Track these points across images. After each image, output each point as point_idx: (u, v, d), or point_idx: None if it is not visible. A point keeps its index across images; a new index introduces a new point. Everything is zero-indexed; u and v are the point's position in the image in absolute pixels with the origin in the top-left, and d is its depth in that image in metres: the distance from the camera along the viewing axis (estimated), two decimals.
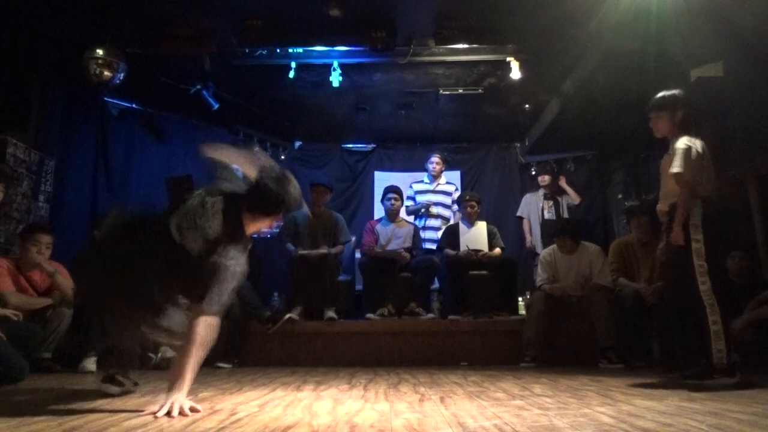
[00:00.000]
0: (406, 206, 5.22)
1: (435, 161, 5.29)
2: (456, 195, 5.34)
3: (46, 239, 3.35)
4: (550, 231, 5.33)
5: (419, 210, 5.21)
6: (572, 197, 5.68)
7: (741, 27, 3.43)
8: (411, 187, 5.40)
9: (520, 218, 5.78)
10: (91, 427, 1.37)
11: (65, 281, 3.33)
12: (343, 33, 4.15)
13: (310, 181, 4.81)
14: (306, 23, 4.05)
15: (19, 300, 3.10)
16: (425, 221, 5.19)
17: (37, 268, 3.30)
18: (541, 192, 5.69)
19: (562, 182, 5.81)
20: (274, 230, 4.83)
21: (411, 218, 5.23)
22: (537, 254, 5.44)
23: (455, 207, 5.29)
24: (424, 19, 4.05)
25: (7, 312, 2.96)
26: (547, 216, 5.55)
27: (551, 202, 5.61)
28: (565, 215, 5.55)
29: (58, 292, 3.33)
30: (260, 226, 1.94)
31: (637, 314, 3.57)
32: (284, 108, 5.73)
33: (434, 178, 5.31)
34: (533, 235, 5.61)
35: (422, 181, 5.40)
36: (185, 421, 1.48)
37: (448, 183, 5.43)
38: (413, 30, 4.18)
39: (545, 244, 5.27)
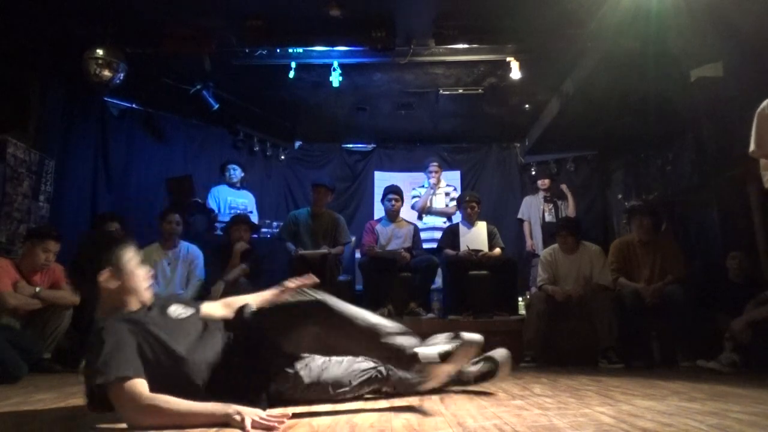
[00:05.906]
0: (412, 206, 5.32)
1: (433, 169, 5.30)
2: (454, 194, 5.36)
3: (56, 247, 3.33)
4: (552, 233, 5.34)
5: (426, 202, 5.28)
6: (570, 206, 5.65)
7: (741, 27, 3.43)
8: (414, 189, 5.46)
9: (521, 220, 5.76)
10: (90, 427, 1.37)
11: (58, 293, 3.28)
12: (343, 33, 4.15)
13: (311, 182, 4.81)
14: (306, 23, 4.04)
15: (17, 300, 3.08)
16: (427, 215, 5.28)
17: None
18: (541, 194, 5.68)
19: (565, 188, 5.79)
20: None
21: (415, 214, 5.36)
22: (537, 256, 5.45)
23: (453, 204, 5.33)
24: (424, 19, 4.04)
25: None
26: (548, 218, 5.53)
27: (551, 205, 5.60)
28: None
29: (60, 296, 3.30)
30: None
31: (637, 314, 3.57)
32: (284, 108, 5.72)
33: (434, 184, 5.34)
34: (534, 238, 5.58)
35: (423, 186, 5.43)
36: None
37: (447, 185, 5.48)
38: (413, 30, 4.18)
39: (546, 246, 5.27)
